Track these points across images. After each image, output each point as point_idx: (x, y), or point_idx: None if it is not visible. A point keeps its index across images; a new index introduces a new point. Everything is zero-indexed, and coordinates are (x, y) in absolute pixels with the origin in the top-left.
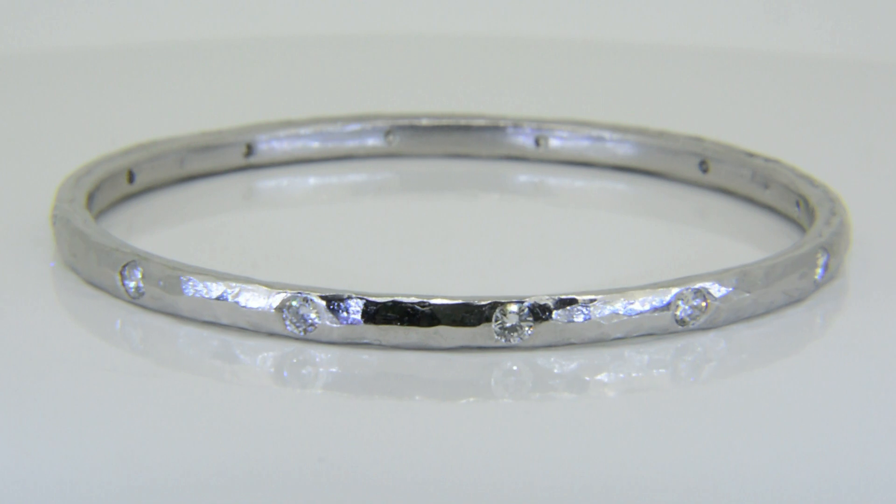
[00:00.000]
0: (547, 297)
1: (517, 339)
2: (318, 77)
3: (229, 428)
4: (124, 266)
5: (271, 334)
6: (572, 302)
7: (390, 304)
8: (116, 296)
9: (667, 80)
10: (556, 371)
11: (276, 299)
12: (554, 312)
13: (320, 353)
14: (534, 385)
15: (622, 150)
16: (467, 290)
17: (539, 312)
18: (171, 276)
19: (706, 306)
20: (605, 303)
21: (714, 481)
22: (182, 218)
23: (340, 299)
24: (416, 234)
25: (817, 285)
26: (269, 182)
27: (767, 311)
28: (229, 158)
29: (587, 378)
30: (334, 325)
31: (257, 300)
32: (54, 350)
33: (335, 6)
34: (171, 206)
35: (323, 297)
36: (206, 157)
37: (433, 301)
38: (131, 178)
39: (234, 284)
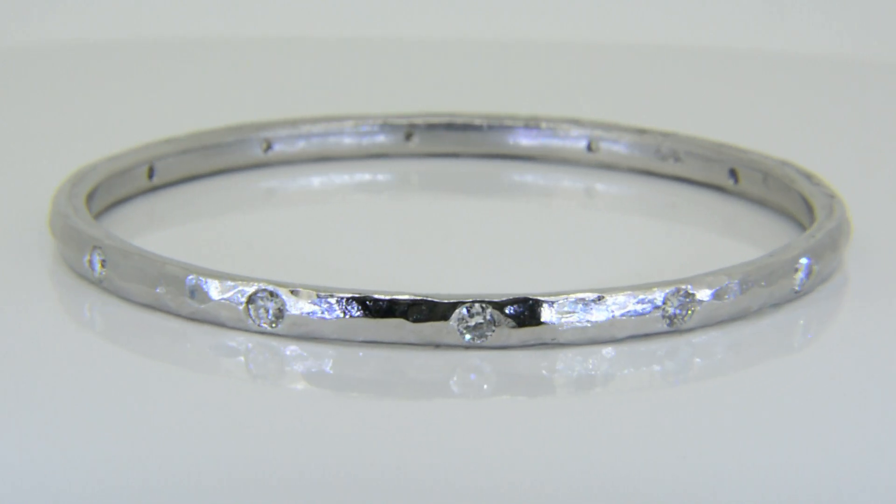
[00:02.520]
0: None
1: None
2: (318, 77)
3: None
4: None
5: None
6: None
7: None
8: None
9: (666, 80)
10: (542, 372)
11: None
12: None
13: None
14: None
15: (620, 150)
16: (460, 289)
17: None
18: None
19: (695, 306)
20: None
21: (707, 482)
22: (185, 218)
23: (330, 293)
24: (416, 234)
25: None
26: (269, 182)
27: (760, 310)
28: (233, 158)
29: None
30: (325, 319)
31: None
32: (54, 350)
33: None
34: (170, 206)
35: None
36: (210, 157)
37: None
38: (131, 178)
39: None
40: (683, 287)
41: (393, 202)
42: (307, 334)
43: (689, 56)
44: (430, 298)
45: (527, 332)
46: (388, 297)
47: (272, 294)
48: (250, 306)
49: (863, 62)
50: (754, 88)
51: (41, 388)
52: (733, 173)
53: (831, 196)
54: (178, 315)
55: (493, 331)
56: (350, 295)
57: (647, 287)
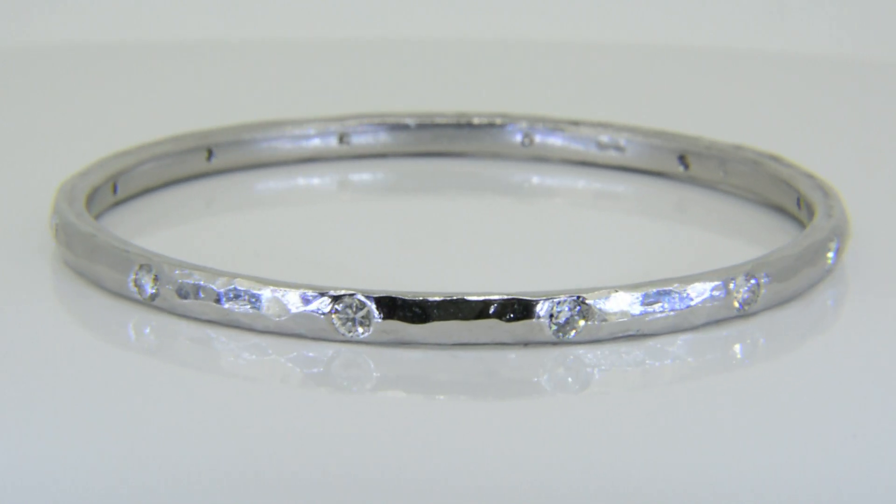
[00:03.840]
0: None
1: (561, 335)
2: (317, 78)
3: (229, 427)
4: (138, 268)
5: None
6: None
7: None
8: (125, 297)
9: (667, 80)
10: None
11: (325, 301)
12: (595, 309)
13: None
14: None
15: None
16: (469, 288)
17: (581, 309)
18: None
19: (758, 293)
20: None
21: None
22: (182, 219)
23: (391, 300)
24: (417, 234)
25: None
26: (269, 182)
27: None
28: (229, 158)
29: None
30: (379, 326)
31: (298, 302)
32: (54, 350)
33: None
34: (170, 206)
35: (372, 298)
36: (204, 158)
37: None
38: (131, 178)
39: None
40: (749, 273)
41: (394, 202)
42: (396, 340)
43: (688, 56)
44: (521, 297)
45: (615, 326)
46: (481, 298)
47: (361, 303)
48: (334, 316)
49: (863, 62)
50: (754, 88)
51: (42, 389)
52: (683, 160)
53: (810, 176)
54: (254, 329)
55: (574, 330)
56: (441, 298)
57: (721, 273)
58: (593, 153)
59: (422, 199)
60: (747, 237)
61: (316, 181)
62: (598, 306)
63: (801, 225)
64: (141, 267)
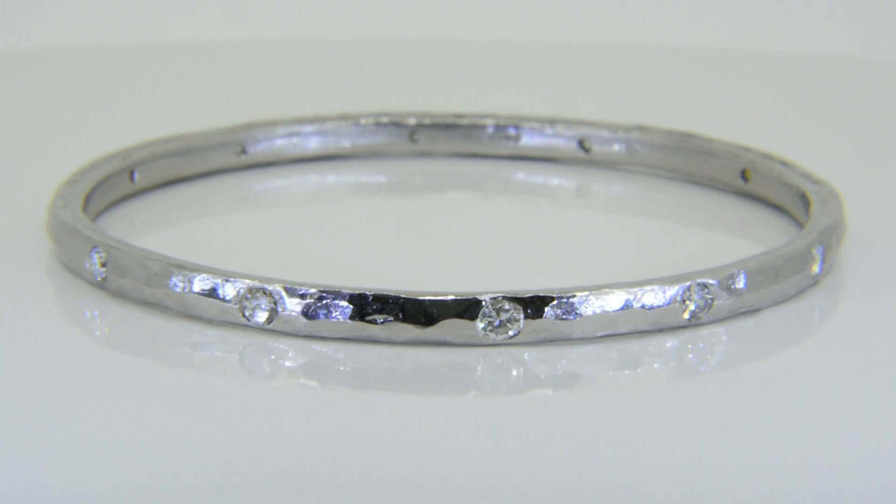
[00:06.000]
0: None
1: (504, 335)
2: (318, 78)
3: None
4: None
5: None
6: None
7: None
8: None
9: (666, 80)
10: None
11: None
12: (546, 308)
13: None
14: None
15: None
16: (465, 288)
17: (531, 308)
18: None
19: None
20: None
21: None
22: (181, 218)
23: (336, 293)
24: (417, 234)
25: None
26: (268, 182)
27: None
28: (228, 158)
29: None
30: (330, 319)
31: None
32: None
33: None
34: (169, 206)
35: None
36: (205, 157)
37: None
38: (131, 177)
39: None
40: (702, 280)
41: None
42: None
43: (688, 56)
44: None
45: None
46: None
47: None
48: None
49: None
50: (754, 88)
51: (41, 389)
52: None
53: (767, 156)
54: (294, 335)
55: (520, 328)
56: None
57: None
58: (596, 153)
59: (421, 199)
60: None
61: (314, 180)
62: (597, 304)
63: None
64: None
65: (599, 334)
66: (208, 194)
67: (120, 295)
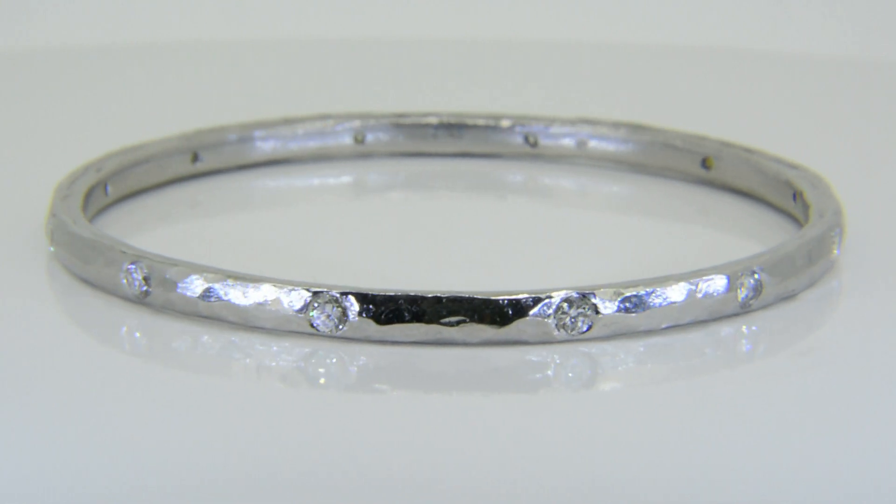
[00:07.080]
0: (600, 289)
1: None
2: (317, 79)
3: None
4: (129, 265)
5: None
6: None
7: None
8: (118, 295)
9: (666, 80)
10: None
11: (302, 298)
12: (609, 305)
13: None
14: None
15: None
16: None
17: (592, 306)
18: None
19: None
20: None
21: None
22: (180, 218)
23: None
24: (417, 234)
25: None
26: (267, 182)
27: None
28: (226, 157)
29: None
30: (365, 324)
31: (283, 298)
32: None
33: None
34: (168, 206)
35: (357, 296)
36: (204, 156)
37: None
38: (129, 177)
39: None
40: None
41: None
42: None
43: (688, 56)
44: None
45: (617, 323)
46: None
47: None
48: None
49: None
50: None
51: (40, 389)
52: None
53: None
54: (246, 326)
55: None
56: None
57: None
58: (598, 153)
59: (421, 199)
60: (748, 234)
61: (316, 181)
62: (599, 303)
63: (797, 221)
64: (133, 265)
65: (664, 326)
66: (207, 194)
67: (165, 309)
